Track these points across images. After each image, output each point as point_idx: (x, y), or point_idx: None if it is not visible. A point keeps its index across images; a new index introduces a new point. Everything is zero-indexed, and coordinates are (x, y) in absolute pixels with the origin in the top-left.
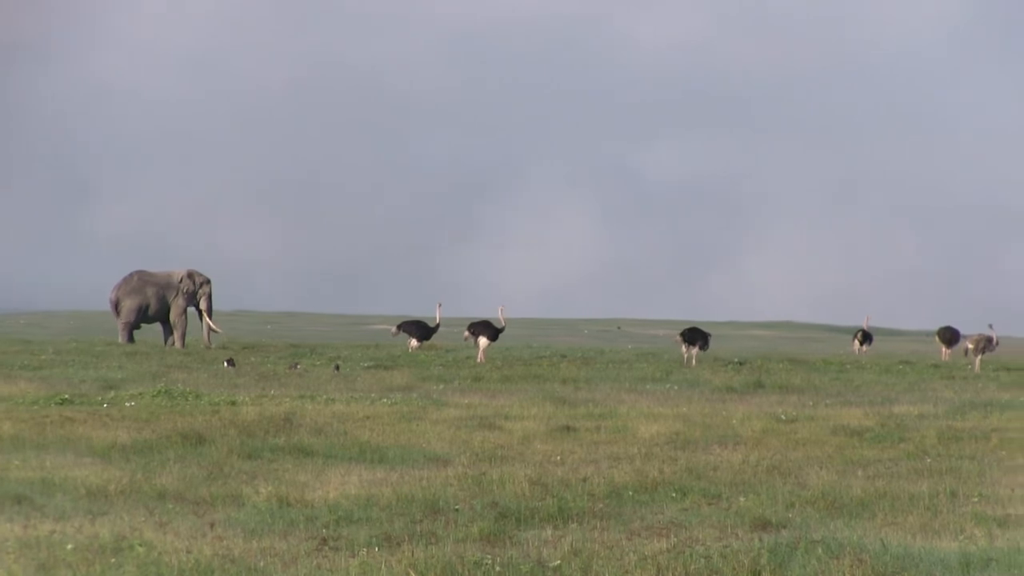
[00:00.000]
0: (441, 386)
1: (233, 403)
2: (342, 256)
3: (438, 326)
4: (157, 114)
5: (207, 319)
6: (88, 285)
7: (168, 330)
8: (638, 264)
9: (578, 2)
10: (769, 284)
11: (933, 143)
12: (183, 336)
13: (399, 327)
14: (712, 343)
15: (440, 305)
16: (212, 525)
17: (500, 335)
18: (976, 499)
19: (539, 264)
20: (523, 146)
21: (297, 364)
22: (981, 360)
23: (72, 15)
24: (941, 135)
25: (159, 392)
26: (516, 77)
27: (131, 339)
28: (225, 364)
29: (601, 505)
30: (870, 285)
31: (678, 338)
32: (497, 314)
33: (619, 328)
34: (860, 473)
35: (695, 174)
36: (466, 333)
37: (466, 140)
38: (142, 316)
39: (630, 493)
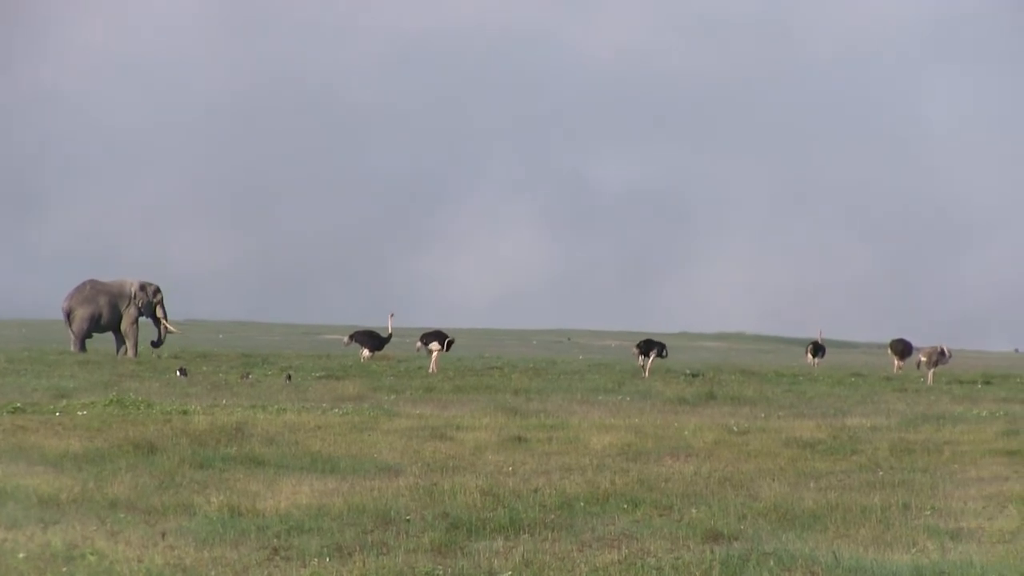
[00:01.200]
0: (393, 396)
1: (185, 412)
2: (292, 266)
3: (390, 336)
4: (105, 122)
5: (165, 323)
6: (35, 294)
7: (120, 339)
8: (587, 274)
9: (526, 12)
10: (719, 295)
11: (884, 152)
12: (135, 345)
13: (351, 337)
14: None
15: (392, 315)
16: (163, 534)
17: (451, 345)
18: (928, 512)
19: (488, 274)
20: (473, 156)
21: (249, 374)
22: (934, 373)
23: (17, 20)
24: (892, 143)
25: (111, 401)
26: (466, 87)
27: (84, 348)
28: (177, 373)
29: (552, 516)
30: (821, 296)
31: (635, 350)
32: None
33: (569, 339)
34: (812, 485)
35: (644, 184)
36: (418, 343)
37: (416, 150)
38: (95, 325)
39: (582, 504)
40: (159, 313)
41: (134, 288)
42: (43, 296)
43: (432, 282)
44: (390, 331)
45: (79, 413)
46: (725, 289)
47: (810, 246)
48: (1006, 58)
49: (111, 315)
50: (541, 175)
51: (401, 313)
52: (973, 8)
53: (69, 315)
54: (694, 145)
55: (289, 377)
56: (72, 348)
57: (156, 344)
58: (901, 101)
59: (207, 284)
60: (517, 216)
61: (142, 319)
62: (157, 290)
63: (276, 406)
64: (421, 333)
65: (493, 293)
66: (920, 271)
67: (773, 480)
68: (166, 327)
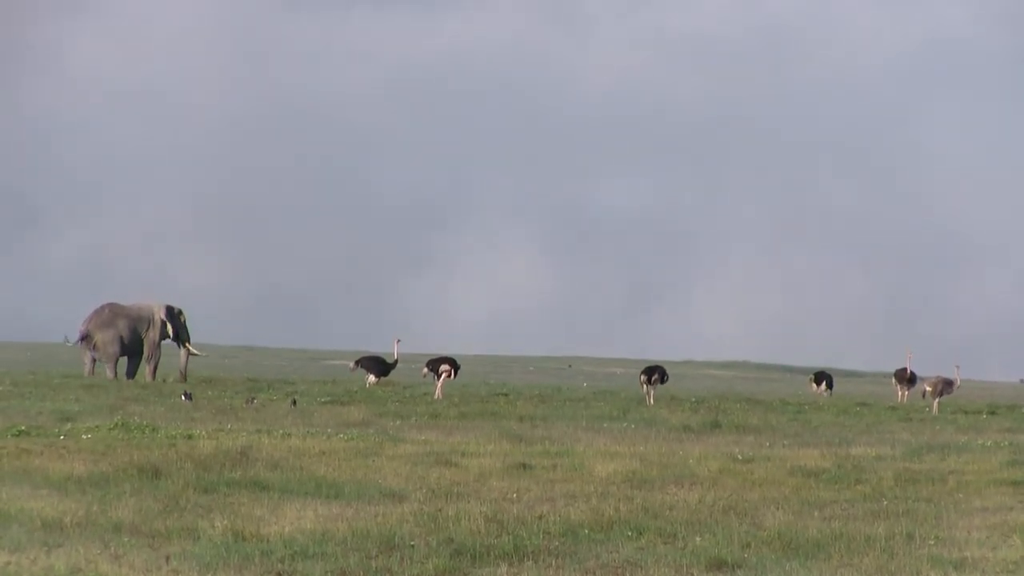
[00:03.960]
0: (398, 422)
1: (190, 437)
2: (293, 290)
3: (396, 362)
4: (108, 145)
5: (187, 347)
6: (35, 316)
7: (134, 363)
8: (588, 301)
9: (526, 37)
10: (720, 322)
11: (883, 179)
12: (155, 369)
13: (357, 363)
14: (668, 382)
15: (398, 341)
16: (167, 558)
17: (458, 372)
18: (932, 542)
19: (488, 300)
20: (474, 181)
21: (254, 398)
22: (939, 403)
23: (14, 44)
24: (890, 171)
25: (116, 425)
26: (467, 112)
27: (116, 372)
28: (182, 397)
29: (557, 543)
30: (823, 325)
31: (642, 377)
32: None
33: (570, 366)
34: (816, 514)
35: (645, 210)
36: (425, 369)
37: (417, 175)
38: (121, 347)
39: (586, 531)
40: (183, 336)
41: (160, 312)
42: (47, 320)
43: (432, 307)
44: (396, 357)
45: (83, 436)
46: (726, 316)
47: (812, 273)
48: (1003, 84)
49: (131, 338)
50: (542, 201)
51: (402, 338)
52: (969, 33)
53: (86, 339)
54: (695, 171)
55: (294, 402)
56: (107, 374)
57: (184, 378)
58: (899, 128)
59: (208, 307)
60: (518, 241)
61: (165, 342)
62: (180, 312)
63: (281, 431)
64: (427, 359)
65: (493, 319)
66: (922, 299)
67: (777, 509)
68: (189, 350)
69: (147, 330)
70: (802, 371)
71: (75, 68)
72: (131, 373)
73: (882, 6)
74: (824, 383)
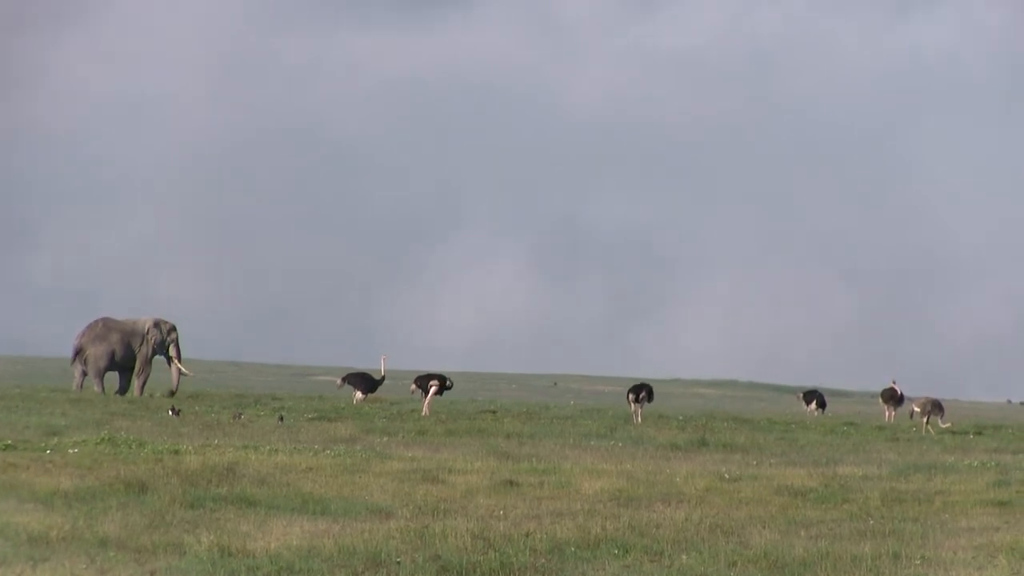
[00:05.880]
0: (385, 439)
1: (176, 452)
2: (281, 304)
3: (383, 378)
4: (95, 160)
5: (177, 364)
6: (21, 329)
7: (126, 378)
8: (574, 319)
9: (513, 55)
10: (706, 340)
11: (869, 197)
12: (144, 384)
13: (344, 379)
14: (656, 400)
15: (385, 358)
16: (153, 573)
17: (447, 391)
18: (919, 561)
19: (474, 317)
20: (461, 198)
21: (241, 414)
22: (927, 424)
23: (10, 59)
24: (876, 189)
25: (102, 439)
26: (454, 128)
27: (103, 386)
28: (169, 413)
29: (543, 560)
30: (810, 344)
31: (630, 396)
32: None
33: (556, 384)
34: (803, 533)
35: (632, 228)
36: (413, 386)
37: (403, 193)
38: (111, 363)
39: (572, 549)
40: (172, 352)
41: (148, 326)
42: (35, 333)
43: (417, 324)
44: (383, 373)
45: (70, 451)
46: (713, 334)
47: (798, 292)
48: (988, 103)
49: (124, 353)
50: (528, 217)
51: (388, 354)
52: (954, 52)
53: (79, 353)
54: (682, 190)
55: (281, 418)
56: (95, 388)
57: (173, 393)
58: (885, 146)
59: (195, 322)
60: (504, 258)
61: (156, 358)
62: (172, 328)
63: (268, 447)
64: (415, 375)
65: (478, 335)
66: (907, 318)
67: (764, 527)
68: (179, 369)
69: (140, 345)
70: (789, 390)
71: (63, 83)
72: (124, 389)
73: (868, 24)
74: (815, 402)
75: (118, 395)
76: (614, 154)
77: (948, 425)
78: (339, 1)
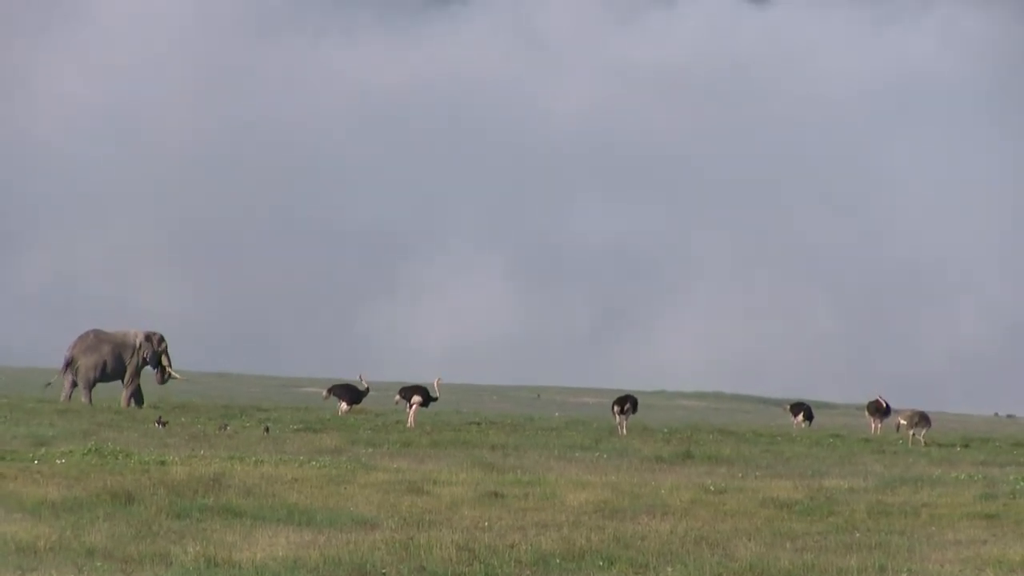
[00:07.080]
0: (370, 450)
1: (163, 463)
2: (264, 316)
3: (368, 390)
4: (77, 170)
5: (170, 370)
6: (5, 340)
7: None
8: (557, 331)
9: (496, 67)
10: (689, 352)
11: (851, 211)
12: (131, 396)
13: (330, 390)
14: (641, 412)
15: (362, 375)
16: None
17: (432, 403)
18: (905, 574)
19: (456, 328)
20: (442, 210)
21: (227, 425)
22: (913, 436)
23: None
24: (858, 203)
25: (89, 450)
26: (436, 140)
27: (91, 398)
28: (156, 424)
29: (528, 572)
30: (793, 356)
31: (615, 407)
32: (434, 383)
33: (539, 396)
34: (789, 546)
35: (615, 241)
36: (397, 397)
37: (385, 204)
38: (101, 374)
39: (557, 561)
40: (164, 362)
41: (139, 339)
42: (18, 343)
43: (399, 336)
44: (367, 385)
45: (57, 461)
46: (696, 346)
47: (780, 304)
48: (969, 118)
49: (115, 365)
50: (510, 229)
51: (369, 366)
52: (935, 67)
53: (70, 364)
54: (664, 201)
55: (267, 429)
56: (83, 399)
57: (163, 381)
58: (866, 161)
59: (180, 333)
60: (485, 270)
61: (146, 368)
62: (162, 339)
63: (254, 457)
64: (400, 387)
65: (460, 347)
66: (889, 331)
67: (749, 540)
68: (171, 373)
69: (130, 357)
70: (775, 402)
71: (44, 92)
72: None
73: (849, 40)
74: (802, 414)
75: (124, 406)
76: (596, 167)
77: (922, 436)
78: (323, 12)
